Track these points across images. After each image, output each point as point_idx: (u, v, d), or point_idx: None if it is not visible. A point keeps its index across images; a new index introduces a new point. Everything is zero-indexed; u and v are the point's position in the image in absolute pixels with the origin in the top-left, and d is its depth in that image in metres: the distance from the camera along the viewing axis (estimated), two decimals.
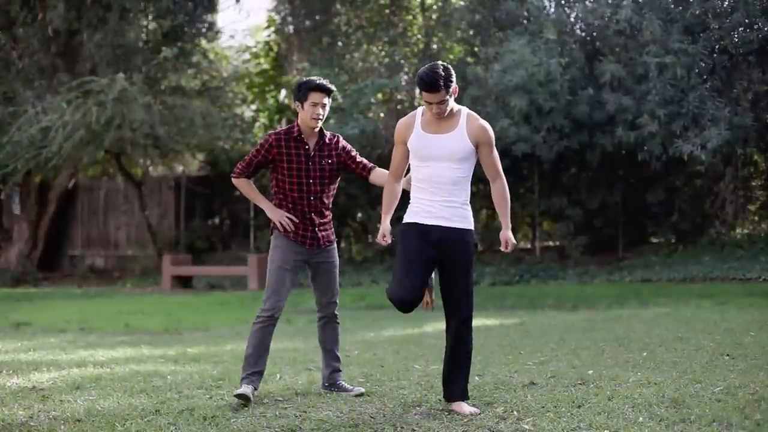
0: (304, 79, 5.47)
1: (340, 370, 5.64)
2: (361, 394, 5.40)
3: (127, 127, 17.41)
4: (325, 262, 5.53)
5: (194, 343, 8.95)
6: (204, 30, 20.74)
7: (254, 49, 24.35)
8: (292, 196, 5.41)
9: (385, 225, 4.97)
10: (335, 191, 5.61)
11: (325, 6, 20.43)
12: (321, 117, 5.36)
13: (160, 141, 18.69)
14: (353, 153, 5.58)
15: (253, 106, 23.50)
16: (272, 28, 22.78)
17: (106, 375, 6.42)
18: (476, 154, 4.92)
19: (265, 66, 23.48)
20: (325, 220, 5.53)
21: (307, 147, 5.40)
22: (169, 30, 20.12)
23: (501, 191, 4.98)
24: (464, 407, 4.85)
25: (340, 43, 20.43)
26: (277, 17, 22.20)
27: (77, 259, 21.56)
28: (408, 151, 4.96)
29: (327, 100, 5.37)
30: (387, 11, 20.96)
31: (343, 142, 5.57)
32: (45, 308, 13.42)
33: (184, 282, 17.32)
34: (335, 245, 5.62)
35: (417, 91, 5.18)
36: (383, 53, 20.17)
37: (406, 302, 4.75)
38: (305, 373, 6.40)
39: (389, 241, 4.95)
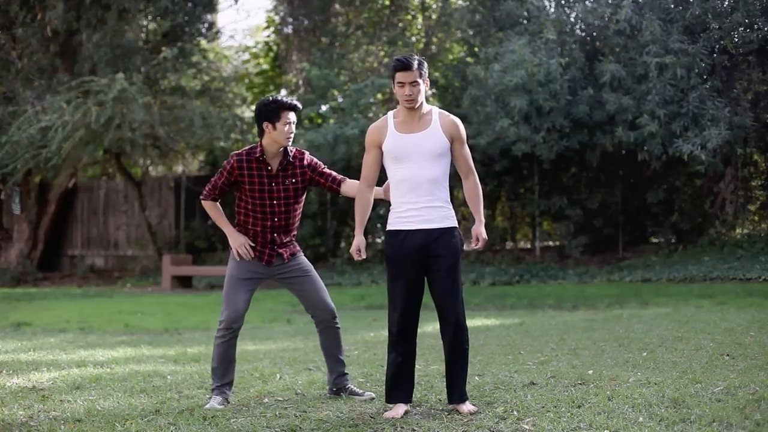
0: (270, 98, 5.39)
1: (346, 374, 5.52)
2: (372, 399, 5.31)
3: (126, 127, 17.42)
4: (293, 270, 5.43)
5: (194, 343, 8.95)
6: (204, 30, 20.74)
7: (254, 50, 24.37)
8: (255, 217, 5.35)
9: (359, 239, 4.94)
10: (301, 208, 5.52)
11: (324, 6, 20.43)
12: (293, 135, 5.33)
13: (160, 141, 18.71)
14: (320, 168, 5.48)
15: (253, 107, 23.50)
16: (271, 29, 22.79)
17: (106, 375, 6.42)
18: (450, 151, 4.93)
19: (265, 66, 23.50)
20: (289, 238, 5.45)
21: (269, 168, 5.32)
22: (168, 30, 20.14)
23: (474, 187, 4.99)
24: (463, 407, 4.85)
25: (337, 44, 20.42)
26: (276, 18, 22.22)
27: (77, 259, 21.57)
28: (380, 156, 4.95)
29: (295, 118, 5.35)
30: (387, 11, 20.96)
31: (308, 158, 5.46)
32: (45, 308, 13.41)
33: (184, 282, 17.32)
34: (301, 254, 5.51)
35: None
36: (383, 53, 20.16)
37: (409, 330, 4.89)
38: (305, 373, 6.40)
39: (364, 256, 4.94)
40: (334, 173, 5.53)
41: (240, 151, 5.40)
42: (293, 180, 5.37)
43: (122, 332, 10.44)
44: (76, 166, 20.44)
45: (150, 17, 20.40)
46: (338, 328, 5.52)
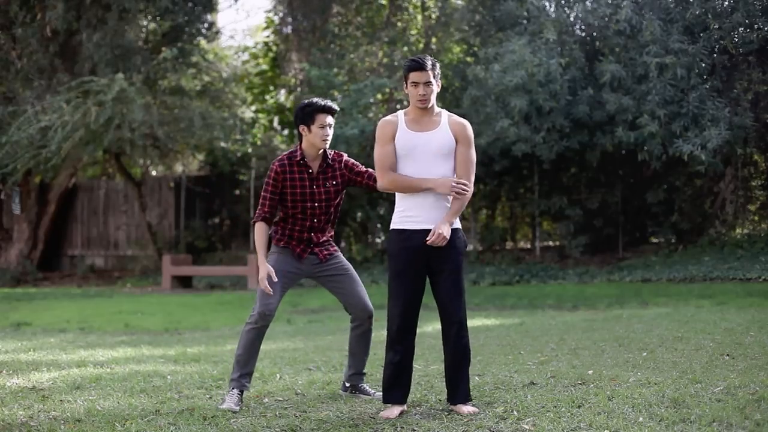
0: (306, 101, 5.39)
1: (364, 373, 5.55)
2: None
3: (126, 127, 17.42)
4: (331, 269, 5.46)
5: (194, 343, 8.95)
6: (203, 30, 20.74)
7: (253, 50, 24.36)
8: (295, 218, 5.38)
9: (428, 189, 4.83)
10: (340, 206, 5.56)
11: (323, 6, 20.42)
12: (329, 138, 5.33)
13: (160, 141, 18.71)
14: (357, 168, 5.50)
15: (253, 107, 23.50)
16: (271, 29, 22.78)
17: (106, 375, 6.41)
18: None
19: (264, 67, 23.48)
20: (326, 237, 5.49)
21: (310, 171, 5.36)
22: (168, 30, 20.13)
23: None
24: (463, 408, 4.85)
25: (337, 44, 20.41)
26: (275, 18, 22.20)
27: (77, 259, 21.57)
28: (395, 148, 4.93)
29: (332, 120, 5.35)
30: (386, 11, 20.95)
31: (345, 159, 5.49)
32: (45, 308, 13.42)
33: (184, 282, 17.32)
34: (339, 254, 5.54)
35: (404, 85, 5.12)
36: (382, 53, 20.16)
37: (408, 329, 4.89)
38: (305, 373, 6.40)
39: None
40: (370, 170, 5.52)
41: (280, 156, 5.43)
42: (333, 182, 5.41)
43: (122, 332, 10.44)
44: (76, 166, 20.44)
45: (150, 17, 20.40)
46: (371, 329, 5.52)
